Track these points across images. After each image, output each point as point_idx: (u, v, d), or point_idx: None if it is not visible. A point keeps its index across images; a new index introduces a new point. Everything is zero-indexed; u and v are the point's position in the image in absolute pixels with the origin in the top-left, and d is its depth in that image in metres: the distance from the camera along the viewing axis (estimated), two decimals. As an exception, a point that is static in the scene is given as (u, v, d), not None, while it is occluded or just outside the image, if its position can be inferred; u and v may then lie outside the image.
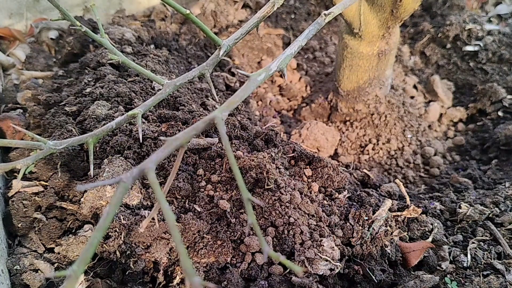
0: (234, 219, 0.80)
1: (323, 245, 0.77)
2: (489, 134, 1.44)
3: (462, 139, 1.46)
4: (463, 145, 1.46)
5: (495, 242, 0.92)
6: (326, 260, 0.76)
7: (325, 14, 0.70)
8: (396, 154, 1.38)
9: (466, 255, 0.89)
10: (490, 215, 0.98)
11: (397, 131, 1.41)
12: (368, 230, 0.84)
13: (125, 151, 0.88)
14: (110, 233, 0.75)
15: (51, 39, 1.41)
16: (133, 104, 1.01)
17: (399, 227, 0.91)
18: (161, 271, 0.76)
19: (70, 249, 0.78)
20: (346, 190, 0.94)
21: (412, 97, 1.58)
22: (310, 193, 0.89)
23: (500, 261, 0.86)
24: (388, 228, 0.88)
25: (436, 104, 1.55)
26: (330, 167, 0.92)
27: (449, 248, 0.90)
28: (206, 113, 1.08)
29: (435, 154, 1.39)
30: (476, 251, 0.89)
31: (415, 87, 1.65)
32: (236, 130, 0.99)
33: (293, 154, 0.95)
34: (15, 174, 0.91)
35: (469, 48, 1.72)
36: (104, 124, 0.90)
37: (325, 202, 0.89)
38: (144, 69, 0.79)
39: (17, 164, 0.73)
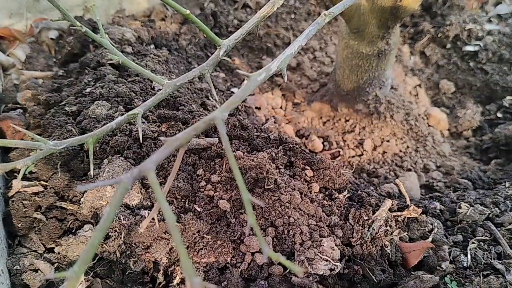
0: (234, 219, 0.80)
1: (323, 245, 0.77)
2: (489, 134, 1.43)
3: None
4: (464, 145, 1.46)
5: (495, 242, 0.92)
6: (326, 260, 0.76)
7: (325, 14, 0.70)
8: (396, 153, 1.38)
9: (466, 255, 0.88)
10: (490, 215, 0.98)
11: (397, 131, 1.41)
12: (368, 230, 0.84)
13: (125, 151, 0.88)
14: (110, 233, 0.75)
15: (51, 39, 1.41)
16: (133, 104, 1.01)
17: (399, 227, 0.91)
18: (161, 271, 0.76)
19: (70, 249, 0.78)
20: (346, 190, 0.94)
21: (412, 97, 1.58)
22: (310, 193, 0.89)
23: (500, 261, 0.86)
24: (388, 228, 0.88)
25: (436, 104, 1.56)
26: (332, 168, 0.92)
27: (449, 248, 0.90)
28: (206, 113, 1.08)
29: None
30: (476, 251, 0.89)
31: (415, 87, 1.65)
32: (236, 130, 0.99)
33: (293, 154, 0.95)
34: (15, 174, 0.91)
35: (469, 48, 1.72)
36: (104, 124, 0.90)
37: (325, 202, 0.89)
38: (144, 69, 0.79)
39: (17, 164, 0.73)
